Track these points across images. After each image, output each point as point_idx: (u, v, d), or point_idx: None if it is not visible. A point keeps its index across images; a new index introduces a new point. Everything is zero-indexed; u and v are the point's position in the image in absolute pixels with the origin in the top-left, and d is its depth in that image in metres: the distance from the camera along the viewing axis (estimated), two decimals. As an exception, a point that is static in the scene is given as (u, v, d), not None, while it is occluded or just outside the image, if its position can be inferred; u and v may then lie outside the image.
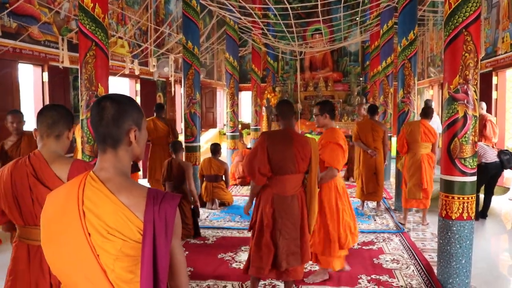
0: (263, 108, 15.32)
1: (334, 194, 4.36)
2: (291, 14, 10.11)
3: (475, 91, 4.11)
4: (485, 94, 8.97)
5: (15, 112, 5.02)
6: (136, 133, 1.50)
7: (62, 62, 6.95)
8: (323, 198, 4.33)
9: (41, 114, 2.36)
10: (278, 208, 3.64)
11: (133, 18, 9.92)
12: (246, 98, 18.90)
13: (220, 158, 8.07)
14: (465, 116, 4.11)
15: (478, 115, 4.21)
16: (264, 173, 3.61)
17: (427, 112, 6.63)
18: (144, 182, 8.03)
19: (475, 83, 4.10)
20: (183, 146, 6.51)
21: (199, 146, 8.50)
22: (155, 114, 8.18)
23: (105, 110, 1.45)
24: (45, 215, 1.47)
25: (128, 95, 9.41)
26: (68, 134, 2.43)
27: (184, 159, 7.04)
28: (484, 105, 7.94)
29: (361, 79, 16.06)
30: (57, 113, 2.36)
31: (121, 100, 1.49)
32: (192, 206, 6.09)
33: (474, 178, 4.22)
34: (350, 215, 4.47)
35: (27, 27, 6.53)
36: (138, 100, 10.54)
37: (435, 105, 12.73)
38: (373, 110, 7.44)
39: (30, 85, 7.10)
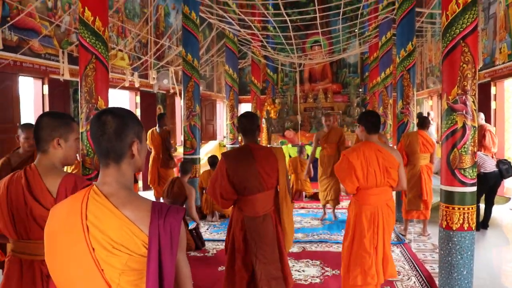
0: (263, 120, 15.35)
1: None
2: (290, 26, 10.17)
3: (473, 102, 4.12)
4: (484, 105, 9.00)
5: (29, 126, 3.95)
6: (138, 145, 1.51)
7: (63, 74, 6.98)
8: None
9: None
10: (250, 230, 3.36)
11: (133, 31, 9.98)
12: (246, 110, 18.91)
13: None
14: (464, 127, 4.12)
15: (477, 126, 4.22)
16: (227, 198, 3.36)
17: (424, 122, 6.65)
18: (144, 194, 8.01)
19: (473, 94, 4.12)
20: (191, 167, 6.48)
21: (199, 158, 8.51)
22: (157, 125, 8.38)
23: (107, 124, 1.45)
24: (49, 229, 1.46)
25: (128, 107, 9.55)
26: (53, 144, 2.30)
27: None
28: (482, 115, 7.96)
29: (360, 90, 16.09)
30: (41, 125, 2.30)
31: (122, 114, 1.49)
32: (193, 228, 6.14)
33: (474, 189, 4.22)
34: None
35: (28, 40, 6.57)
36: (138, 112, 10.58)
37: (434, 116, 12.76)
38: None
39: (31, 98, 7.13)
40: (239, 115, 3.88)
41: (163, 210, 1.41)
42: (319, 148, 7.76)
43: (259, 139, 12.63)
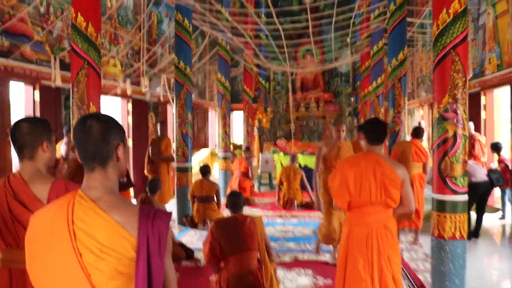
0: (255, 128, 15.37)
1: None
2: (282, 35, 10.22)
3: (464, 110, 4.16)
4: (474, 114, 9.08)
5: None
6: (122, 148, 1.54)
7: (54, 81, 6.94)
8: None
9: (12, 135, 2.29)
10: (236, 287, 3.66)
11: (126, 37, 9.97)
12: (238, 118, 18.95)
13: (211, 178, 8.04)
14: (455, 135, 4.15)
15: (467, 134, 4.26)
16: (214, 255, 3.74)
17: (418, 132, 6.69)
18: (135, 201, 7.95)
19: (464, 102, 4.16)
20: (160, 187, 6.22)
21: (191, 166, 8.48)
22: None
23: (93, 128, 1.47)
24: (30, 236, 1.45)
25: (120, 114, 9.52)
26: (42, 147, 2.30)
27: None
28: (471, 124, 8.02)
29: (352, 99, 16.21)
30: (25, 131, 2.27)
31: (106, 118, 1.53)
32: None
33: (466, 197, 4.25)
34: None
35: (19, 45, 6.53)
36: (130, 120, 10.54)
37: (425, 125, 12.84)
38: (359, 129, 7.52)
39: (21, 104, 7.07)
40: (229, 193, 4.19)
41: (151, 214, 1.43)
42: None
43: (250, 147, 12.67)
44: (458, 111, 4.14)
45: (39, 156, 2.29)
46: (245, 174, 10.35)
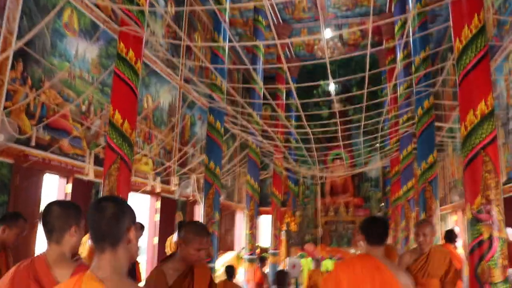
0: (283, 232, 15.10)
1: None
2: (312, 139, 10.42)
3: (499, 212, 4.00)
4: (511, 220, 8.68)
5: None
6: (134, 231, 1.58)
7: (87, 174, 7.15)
8: None
9: (43, 217, 2.31)
10: None
11: (159, 137, 10.36)
12: (265, 222, 18.74)
13: (235, 281, 7.74)
14: (490, 238, 3.95)
15: (505, 238, 4.05)
16: None
17: (451, 235, 6.42)
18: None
19: (498, 204, 4.01)
20: None
21: (215, 267, 8.25)
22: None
23: (106, 209, 1.52)
24: None
25: (148, 212, 9.54)
26: (70, 232, 2.31)
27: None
28: (510, 230, 7.64)
29: (382, 204, 15.95)
30: (55, 214, 2.30)
31: (120, 201, 1.60)
32: None
33: (508, 306, 3.92)
34: None
35: (59, 139, 6.86)
36: (157, 218, 10.55)
37: (460, 231, 12.35)
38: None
39: (53, 196, 7.24)
40: None
41: None
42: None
43: (277, 251, 12.34)
44: (493, 213, 3.98)
45: (65, 240, 2.29)
46: (260, 286, 9.82)
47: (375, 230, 2.97)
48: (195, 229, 2.93)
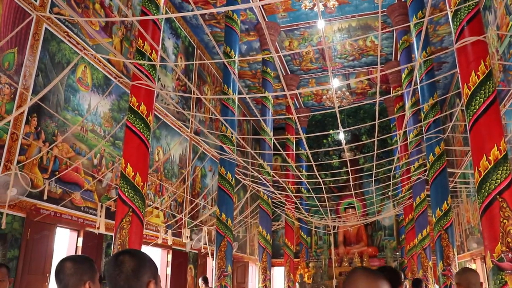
0: (296, 284, 14.72)
1: None
2: (323, 189, 10.35)
3: (521, 259, 3.87)
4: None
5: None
6: (154, 286, 1.51)
7: (98, 228, 7.11)
8: None
9: (56, 274, 2.29)
10: None
11: (171, 189, 10.35)
12: (278, 273, 18.32)
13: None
14: (514, 287, 3.81)
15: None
16: None
17: (418, 285, 6.21)
18: None
19: (519, 251, 3.89)
20: None
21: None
22: None
23: (125, 263, 1.48)
24: None
25: (159, 265, 9.41)
26: (90, 285, 2.29)
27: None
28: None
29: (397, 253, 15.56)
30: (68, 271, 2.20)
31: (139, 254, 1.55)
32: None
33: None
34: None
35: (71, 193, 6.87)
36: (168, 271, 10.36)
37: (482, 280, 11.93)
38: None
39: (64, 249, 7.17)
40: None
41: None
42: None
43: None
44: (514, 260, 3.86)
45: None
46: None
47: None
48: None
